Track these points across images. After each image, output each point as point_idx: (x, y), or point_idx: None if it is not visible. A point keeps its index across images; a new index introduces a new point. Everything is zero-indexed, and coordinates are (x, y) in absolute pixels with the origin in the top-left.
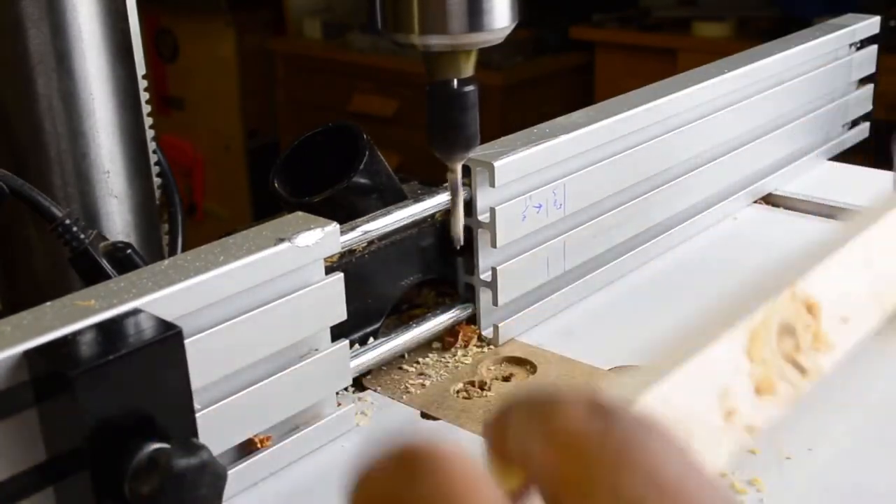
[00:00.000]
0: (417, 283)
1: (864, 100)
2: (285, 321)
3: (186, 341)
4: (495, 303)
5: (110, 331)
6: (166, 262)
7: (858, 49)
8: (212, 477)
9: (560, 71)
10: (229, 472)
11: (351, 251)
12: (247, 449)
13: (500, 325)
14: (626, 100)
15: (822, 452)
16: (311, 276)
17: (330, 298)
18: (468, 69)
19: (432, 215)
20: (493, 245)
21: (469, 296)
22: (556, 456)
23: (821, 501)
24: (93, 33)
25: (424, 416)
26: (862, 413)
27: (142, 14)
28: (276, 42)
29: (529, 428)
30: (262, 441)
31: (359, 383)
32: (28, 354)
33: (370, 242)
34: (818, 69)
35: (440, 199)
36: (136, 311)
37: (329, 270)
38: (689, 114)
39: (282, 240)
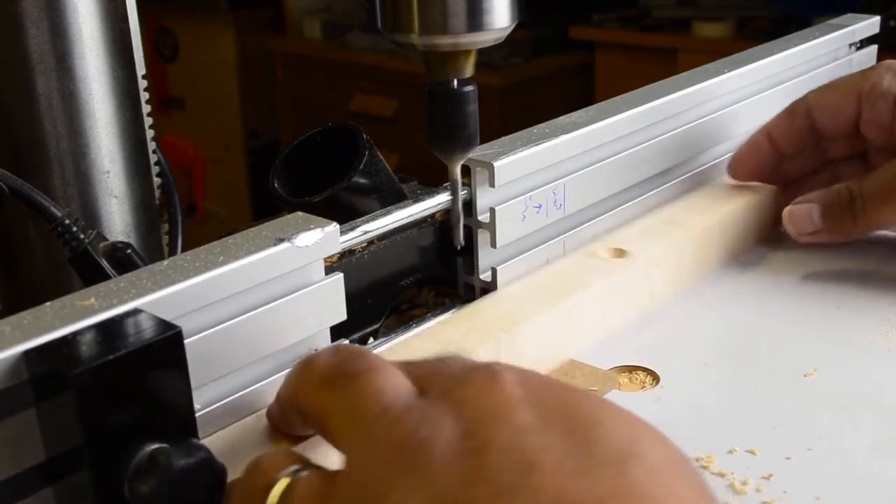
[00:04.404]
0: (417, 283)
1: None
2: (285, 321)
3: (186, 341)
4: None
5: (110, 331)
6: (166, 262)
7: (858, 49)
8: (212, 477)
9: (560, 71)
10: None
11: (351, 251)
12: None
13: None
14: (626, 100)
15: (822, 452)
16: (311, 276)
17: (330, 298)
18: (468, 69)
19: (432, 215)
20: (493, 245)
21: (469, 296)
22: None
23: (821, 502)
24: (93, 33)
25: None
26: (863, 413)
27: (142, 14)
28: (276, 42)
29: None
30: None
31: None
32: (28, 354)
33: (370, 242)
34: (818, 69)
35: (440, 199)
36: (135, 311)
37: (329, 270)
38: (688, 114)
39: (282, 240)
